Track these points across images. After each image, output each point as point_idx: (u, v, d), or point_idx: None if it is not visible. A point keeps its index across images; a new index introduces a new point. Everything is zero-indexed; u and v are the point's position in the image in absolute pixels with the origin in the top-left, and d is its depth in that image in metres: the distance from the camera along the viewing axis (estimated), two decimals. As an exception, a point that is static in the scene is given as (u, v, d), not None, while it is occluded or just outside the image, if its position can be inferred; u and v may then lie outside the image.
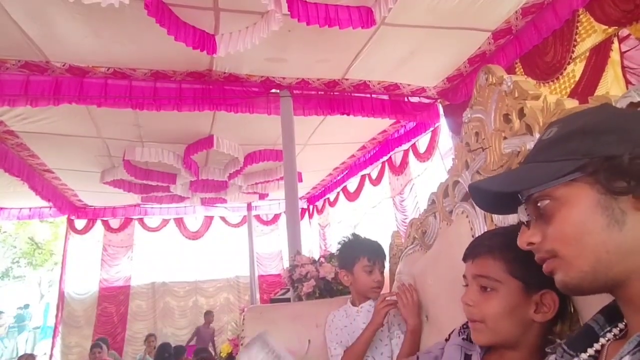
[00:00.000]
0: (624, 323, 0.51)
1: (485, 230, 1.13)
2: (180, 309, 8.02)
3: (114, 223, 7.62)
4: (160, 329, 7.58)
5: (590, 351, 0.50)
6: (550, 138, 0.55)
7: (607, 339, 0.51)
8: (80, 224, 7.34)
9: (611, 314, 0.53)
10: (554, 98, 0.88)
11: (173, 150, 4.54)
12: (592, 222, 0.48)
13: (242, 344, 1.58)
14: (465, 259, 0.83)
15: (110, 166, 4.98)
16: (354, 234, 1.57)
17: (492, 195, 0.57)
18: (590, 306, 0.73)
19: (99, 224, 7.46)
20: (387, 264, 1.90)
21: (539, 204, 0.53)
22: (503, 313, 0.73)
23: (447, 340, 0.96)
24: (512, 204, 0.57)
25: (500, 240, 0.77)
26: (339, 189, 6.40)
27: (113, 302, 7.58)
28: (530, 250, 0.56)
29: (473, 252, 0.82)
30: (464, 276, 0.83)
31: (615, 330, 0.51)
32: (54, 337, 7.15)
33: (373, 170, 5.55)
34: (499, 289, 0.74)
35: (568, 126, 0.54)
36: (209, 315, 6.86)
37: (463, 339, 0.89)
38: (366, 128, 4.55)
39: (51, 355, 6.99)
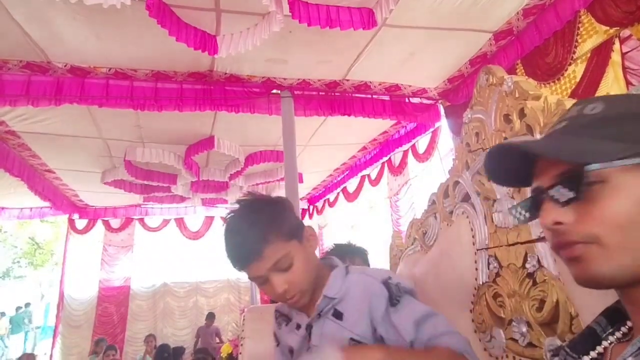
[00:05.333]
0: (627, 326, 0.51)
1: (486, 230, 1.13)
2: (180, 310, 8.02)
3: (115, 223, 7.62)
4: (160, 329, 7.58)
5: (593, 354, 0.50)
6: (597, 115, 0.49)
7: (609, 341, 0.51)
8: (80, 224, 7.35)
9: (613, 316, 0.53)
10: (554, 98, 0.88)
11: (174, 151, 4.55)
12: None
13: (241, 345, 1.58)
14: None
15: (111, 166, 4.99)
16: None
17: (516, 161, 0.51)
18: (589, 307, 0.72)
19: (99, 224, 7.46)
20: (387, 264, 1.90)
21: (585, 183, 0.47)
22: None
23: None
24: (529, 177, 0.52)
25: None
26: (339, 189, 6.40)
27: (113, 303, 7.58)
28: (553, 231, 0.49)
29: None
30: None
31: (618, 333, 0.51)
32: (54, 337, 7.15)
33: (373, 171, 5.55)
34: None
35: (615, 107, 0.49)
36: (210, 316, 6.87)
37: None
38: (367, 129, 4.55)
39: (51, 356, 6.99)
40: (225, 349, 5.07)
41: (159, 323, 7.78)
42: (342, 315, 0.96)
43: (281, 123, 3.50)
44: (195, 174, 4.89)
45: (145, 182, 5.15)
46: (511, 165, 0.55)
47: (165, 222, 7.76)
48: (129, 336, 7.46)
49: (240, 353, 1.55)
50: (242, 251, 0.94)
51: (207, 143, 4.29)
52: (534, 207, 0.54)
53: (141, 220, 7.70)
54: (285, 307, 1.09)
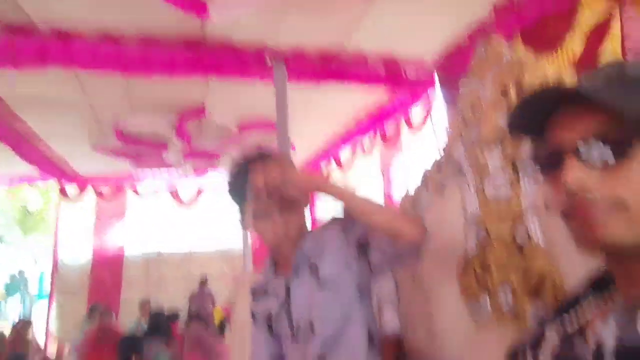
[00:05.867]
0: (610, 292, 0.52)
1: (477, 203, 1.14)
2: (174, 278, 8.14)
3: (106, 191, 7.56)
4: (154, 296, 7.71)
5: (576, 318, 0.51)
6: None
7: (593, 307, 0.52)
8: (71, 191, 7.28)
9: (599, 282, 0.54)
10: (552, 71, 0.87)
11: (165, 119, 4.47)
12: None
13: (233, 311, 1.61)
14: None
15: (101, 133, 4.90)
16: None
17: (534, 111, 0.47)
18: (574, 277, 0.75)
19: (90, 191, 7.40)
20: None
21: (629, 138, 0.43)
22: None
23: None
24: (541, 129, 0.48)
25: None
26: (331, 159, 6.39)
27: (107, 270, 7.66)
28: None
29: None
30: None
31: (602, 300, 0.52)
32: (49, 303, 7.24)
33: (365, 141, 5.53)
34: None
35: None
36: (204, 281, 6.97)
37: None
38: (361, 98, 4.49)
39: (47, 321, 7.11)
40: (218, 315, 5.19)
41: (153, 290, 7.89)
42: (318, 268, 0.98)
43: (274, 91, 3.44)
44: (187, 142, 4.84)
45: (136, 150, 5.08)
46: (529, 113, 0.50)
47: (158, 190, 7.73)
48: (124, 302, 7.60)
49: (232, 319, 1.59)
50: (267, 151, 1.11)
51: (199, 111, 4.22)
52: (552, 164, 0.49)
53: (133, 188, 7.65)
54: (260, 281, 1.13)
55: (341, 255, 0.96)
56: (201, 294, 6.85)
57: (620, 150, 0.43)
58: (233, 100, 4.20)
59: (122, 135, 4.55)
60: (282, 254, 1.08)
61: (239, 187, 1.05)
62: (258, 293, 1.13)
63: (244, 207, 1.10)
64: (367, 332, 0.97)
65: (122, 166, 6.36)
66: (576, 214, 0.46)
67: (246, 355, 1.54)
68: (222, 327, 4.90)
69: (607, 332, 0.41)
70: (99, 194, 7.48)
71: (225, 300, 7.24)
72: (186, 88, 3.83)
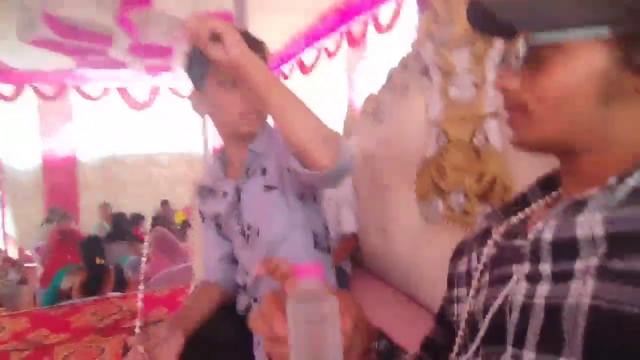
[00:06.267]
0: (557, 192, 0.53)
1: (441, 105, 1.11)
2: (134, 180, 8.05)
3: (48, 90, 6.91)
4: (115, 199, 7.65)
5: (521, 215, 0.52)
6: None
7: (538, 205, 0.53)
8: (6, 89, 6.59)
9: (547, 184, 0.55)
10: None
11: (104, 5, 3.93)
12: (583, 91, 0.43)
13: (193, 211, 1.61)
14: None
15: (28, 21, 4.26)
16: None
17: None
18: (524, 180, 0.77)
19: (29, 90, 6.74)
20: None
21: (538, 48, 0.44)
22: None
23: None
24: (512, 30, 0.48)
25: None
26: (293, 61, 6.07)
27: (61, 174, 7.41)
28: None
29: None
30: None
31: (548, 198, 0.53)
32: (2, 207, 7.04)
33: (330, 42, 5.23)
34: None
35: None
36: (165, 204, 6.87)
37: None
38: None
39: (3, 224, 6.98)
40: (180, 216, 5.28)
41: (112, 193, 7.82)
42: (266, 172, 0.92)
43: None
44: (133, 35, 4.35)
45: (75, 42, 4.53)
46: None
47: (107, 90, 7.14)
48: (83, 205, 7.52)
49: (192, 219, 1.59)
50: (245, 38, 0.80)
51: (144, -1, 3.73)
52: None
53: (78, 88, 7.03)
54: (208, 179, 1.05)
55: (284, 160, 0.85)
56: (164, 214, 6.76)
57: (527, 57, 0.46)
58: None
59: (55, 24, 3.99)
60: (235, 146, 0.96)
61: (199, 56, 0.84)
62: (204, 193, 1.08)
63: (204, 81, 0.93)
64: (312, 236, 0.95)
65: (63, 62, 5.74)
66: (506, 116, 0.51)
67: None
68: (184, 229, 5.02)
69: (547, 229, 0.42)
70: (40, 95, 6.84)
71: (187, 202, 7.32)
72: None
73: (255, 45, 0.86)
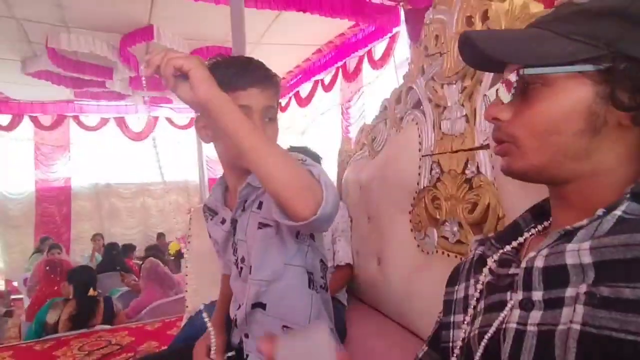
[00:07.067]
0: (549, 221, 0.54)
1: (433, 137, 1.14)
2: (127, 210, 7.98)
3: (45, 120, 6.97)
4: (107, 229, 7.56)
5: (514, 244, 0.54)
6: (583, 6, 0.45)
7: (530, 233, 0.54)
8: (4, 119, 6.64)
9: (538, 213, 0.57)
10: (520, 1, 0.84)
11: (107, 40, 4.04)
12: (569, 123, 0.45)
13: (189, 242, 1.60)
14: None
15: (32, 54, 4.37)
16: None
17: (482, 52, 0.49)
18: (516, 209, 0.78)
19: (27, 121, 6.79)
20: (335, 169, 1.94)
21: (527, 83, 0.47)
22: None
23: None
24: (502, 65, 0.51)
25: None
26: (291, 94, 6.21)
27: (53, 203, 7.35)
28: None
29: None
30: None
31: (540, 227, 0.55)
32: (-8, 235, 6.93)
33: (326, 76, 5.38)
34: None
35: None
36: (161, 237, 6.84)
37: None
38: (323, 30, 4.27)
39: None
40: (174, 247, 5.21)
41: (105, 223, 7.73)
42: (262, 205, 0.90)
43: (229, 15, 3.17)
44: (134, 68, 4.45)
45: (75, 75, 4.62)
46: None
47: (104, 120, 7.22)
48: (75, 235, 7.42)
49: (188, 250, 1.58)
50: (258, 68, 0.84)
51: (145, 33, 3.84)
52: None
53: (76, 118, 7.09)
54: (212, 201, 1.02)
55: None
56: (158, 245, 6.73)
57: (516, 92, 0.48)
58: (184, 22, 3.84)
59: (58, 58, 4.09)
60: (235, 177, 0.94)
61: None
62: (209, 212, 1.04)
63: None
64: (306, 274, 0.91)
65: (61, 94, 5.82)
66: (495, 148, 0.53)
67: (202, 285, 1.56)
68: (178, 259, 4.94)
69: (539, 258, 0.43)
70: (38, 124, 6.88)
71: (181, 232, 7.25)
72: (130, 5, 3.44)
73: (267, 78, 0.87)
